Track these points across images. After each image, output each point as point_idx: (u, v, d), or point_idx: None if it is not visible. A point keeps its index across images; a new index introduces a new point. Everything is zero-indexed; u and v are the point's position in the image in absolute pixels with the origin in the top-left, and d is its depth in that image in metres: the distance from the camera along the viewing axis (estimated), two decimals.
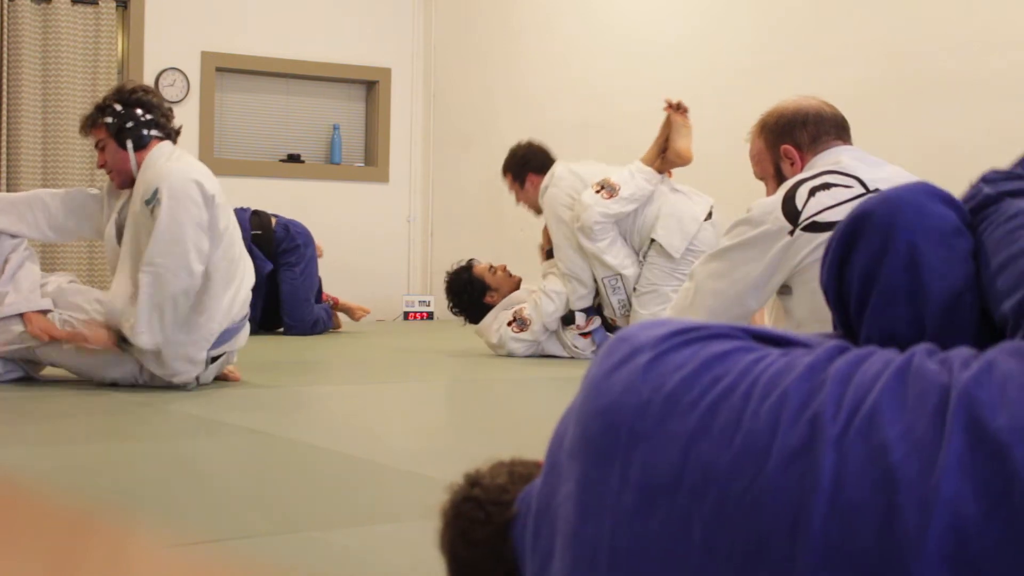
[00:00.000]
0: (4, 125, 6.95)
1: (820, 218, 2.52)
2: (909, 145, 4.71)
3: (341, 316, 6.93)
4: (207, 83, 7.58)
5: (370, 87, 8.21)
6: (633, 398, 1.03)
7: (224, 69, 7.67)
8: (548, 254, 5.41)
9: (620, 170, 5.08)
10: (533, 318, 5.19)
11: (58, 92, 7.07)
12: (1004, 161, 1.27)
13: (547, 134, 7.18)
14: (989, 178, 1.24)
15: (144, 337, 3.68)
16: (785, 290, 2.65)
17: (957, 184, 1.33)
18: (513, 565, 1.17)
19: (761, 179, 2.84)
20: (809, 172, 2.64)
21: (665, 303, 4.81)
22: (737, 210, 2.87)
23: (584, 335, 5.23)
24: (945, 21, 4.91)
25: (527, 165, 5.42)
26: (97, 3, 7.22)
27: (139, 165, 3.83)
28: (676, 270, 4.95)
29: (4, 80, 6.95)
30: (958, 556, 0.83)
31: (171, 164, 3.78)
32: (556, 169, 5.26)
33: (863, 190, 2.53)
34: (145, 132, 3.86)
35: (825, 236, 2.44)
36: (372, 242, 8.06)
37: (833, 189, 2.55)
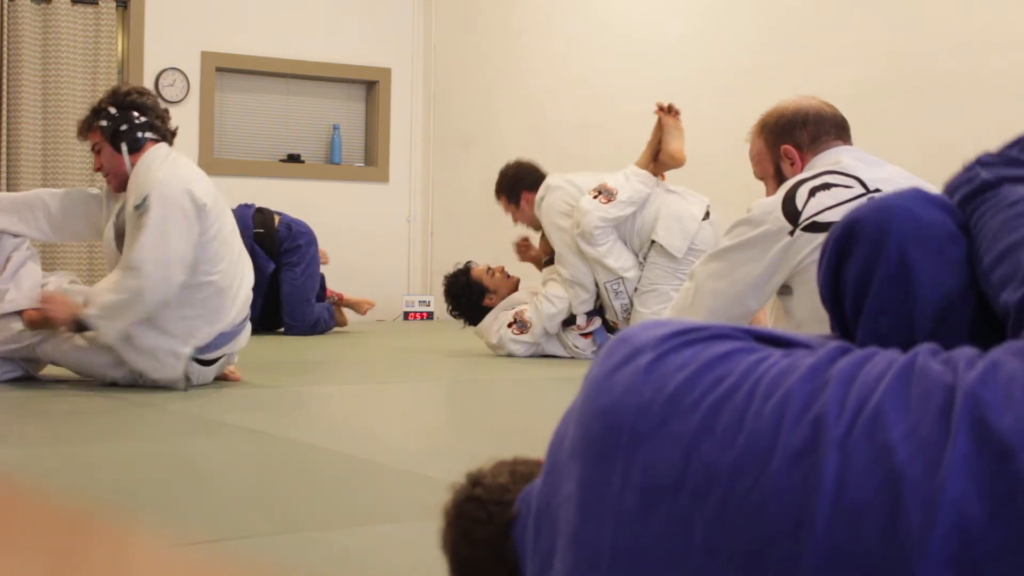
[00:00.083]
0: (4, 125, 6.94)
1: (820, 218, 2.52)
2: (909, 145, 4.70)
3: (347, 312, 6.92)
4: (207, 83, 7.57)
5: (370, 87, 8.21)
6: (634, 398, 1.03)
7: (224, 69, 7.66)
8: (546, 263, 5.42)
9: (615, 175, 5.09)
10: (534, 321, 5.19)
11: (58, 92, 7.06)
12: None
13: (547, 134, 7.18)
14: (986, 161, 1.22)
15: (100, 323, 3.64)
16: (785, 290, 2.65)
17: None
18: (514, 565, 1.17)
19: (761, 179, 2.84)
20: (809, 172, 2.64)
21: (666, 301, 4.81)
22: (736, 210, 2.87)
23: (585, 335, 5.24)
24: (945, 21, 4.91)
25: (520, 183, 5.41)
26: (97, 3, 7.21)
27: (134, 167, 3.80)
28: (678, 270, 4.95)
29: (4, 80, 6.94)
30: (962, 557, 0.82)
31: (164, 170, 3.73)
32: (550, 180, 5.26)
33: (863, 190, 2.53)
34: (140, 135, 3.83)
35: (825, 236, 2.43)
36: (372, 242, 8.05)
37: (833, 189, 2.55)
